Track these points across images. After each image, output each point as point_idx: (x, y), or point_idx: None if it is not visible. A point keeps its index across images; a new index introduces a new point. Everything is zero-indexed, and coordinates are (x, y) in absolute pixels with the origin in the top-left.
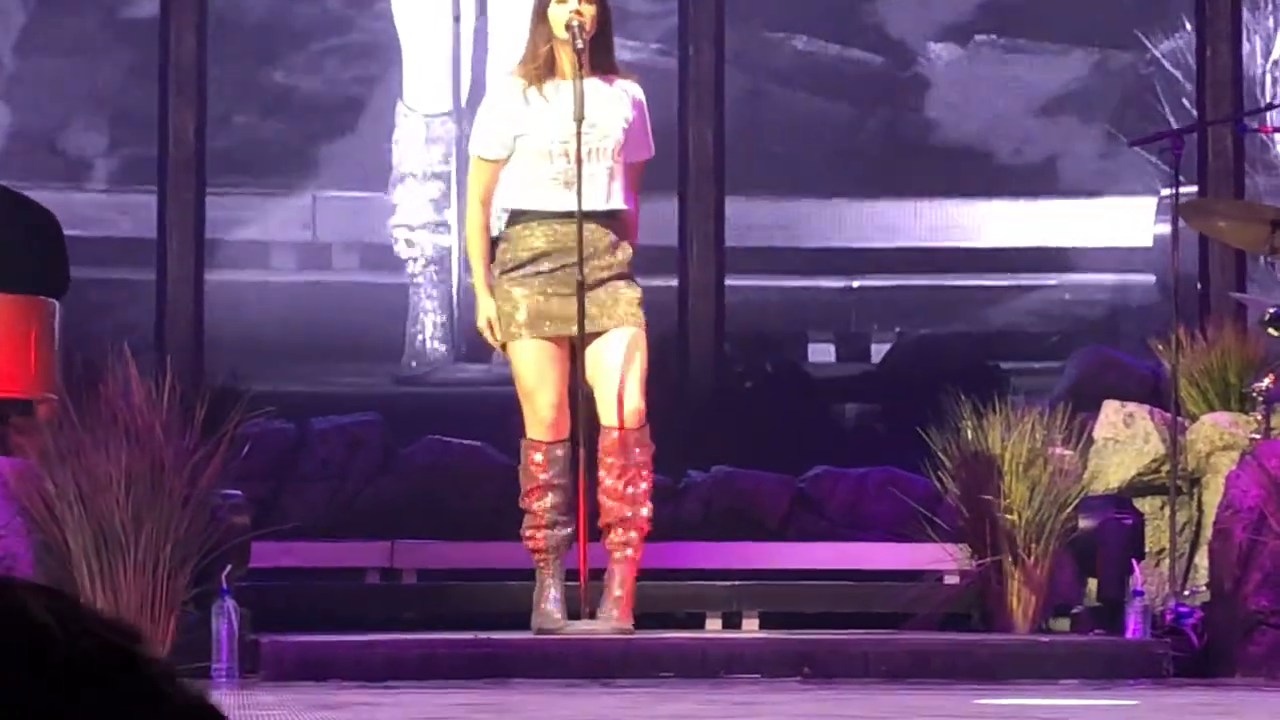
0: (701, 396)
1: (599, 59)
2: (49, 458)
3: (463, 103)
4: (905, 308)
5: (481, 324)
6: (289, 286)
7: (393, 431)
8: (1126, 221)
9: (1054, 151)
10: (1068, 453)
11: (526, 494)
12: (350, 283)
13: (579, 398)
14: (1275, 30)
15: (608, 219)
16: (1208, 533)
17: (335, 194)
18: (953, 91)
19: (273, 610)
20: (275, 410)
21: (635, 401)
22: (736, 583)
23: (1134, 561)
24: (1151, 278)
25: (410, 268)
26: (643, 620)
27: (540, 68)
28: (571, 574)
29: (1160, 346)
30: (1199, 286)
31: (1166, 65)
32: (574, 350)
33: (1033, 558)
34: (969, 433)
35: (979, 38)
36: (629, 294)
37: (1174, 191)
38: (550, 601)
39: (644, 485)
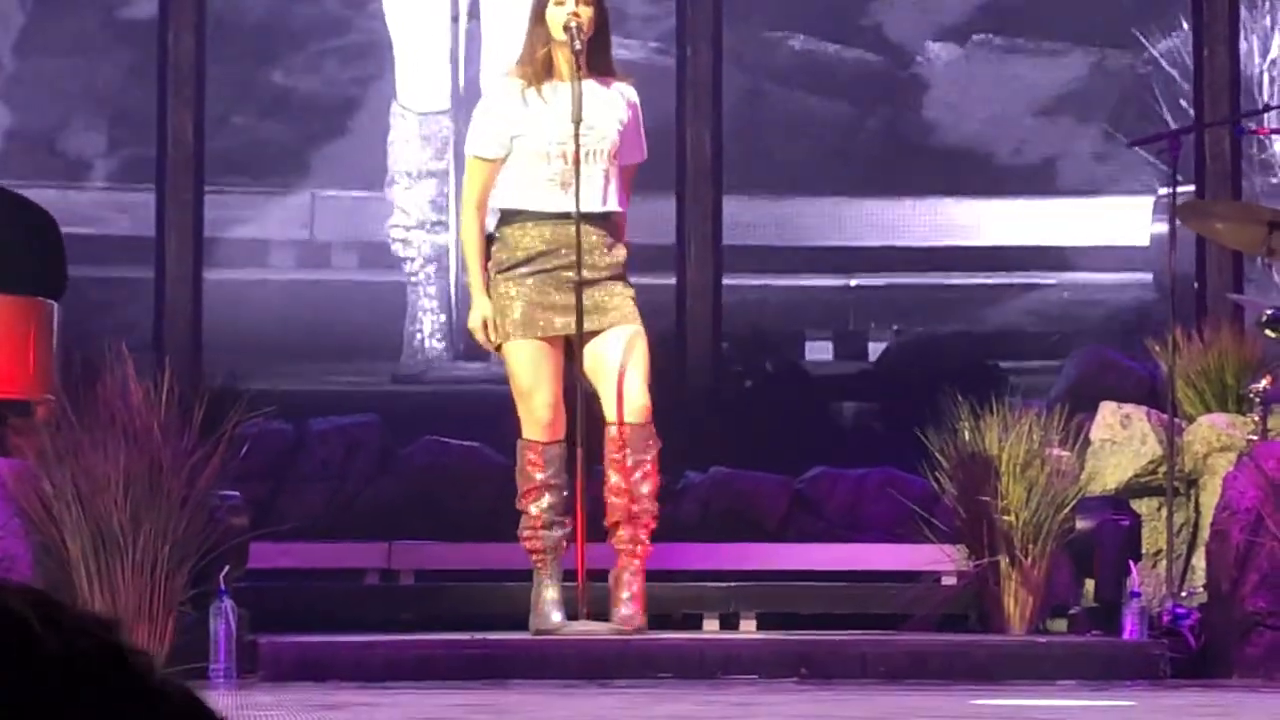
0: (699, 396)
1: (596, 61)
2: (47, 458)
3: (458, 102)
4: (903, 307)
5: (476, 323)
6: (287, 285)
7: (391, 430)
8: (1124, 221)
9: (1052, 151)
10: (1065, 454)
11: (523, 495)
12: (348, 281)
13: (578, 398)
14: (1272, 29)
15: (602, 220)
16: (1205, 534)
17: (333, 193)
18: (951, 91)
19: (271, 611)
20: (274, 410)
21: (641, 398)
22: (734, 584)
23: (1131, 563)
24: (1149, 276)
25: (408, 267)
26: None
27: (538, 69)
28: (569, 574)
29: (1157, 348)
30: (1196, 286)
31: (1164, 64)
32: (570, 350)
33: (1030, 559)
34: (966, 433)
35: (977, 37)
36: (625, 293)
37: (1171, 193)
38: (548, 602)
39: (652, 482)
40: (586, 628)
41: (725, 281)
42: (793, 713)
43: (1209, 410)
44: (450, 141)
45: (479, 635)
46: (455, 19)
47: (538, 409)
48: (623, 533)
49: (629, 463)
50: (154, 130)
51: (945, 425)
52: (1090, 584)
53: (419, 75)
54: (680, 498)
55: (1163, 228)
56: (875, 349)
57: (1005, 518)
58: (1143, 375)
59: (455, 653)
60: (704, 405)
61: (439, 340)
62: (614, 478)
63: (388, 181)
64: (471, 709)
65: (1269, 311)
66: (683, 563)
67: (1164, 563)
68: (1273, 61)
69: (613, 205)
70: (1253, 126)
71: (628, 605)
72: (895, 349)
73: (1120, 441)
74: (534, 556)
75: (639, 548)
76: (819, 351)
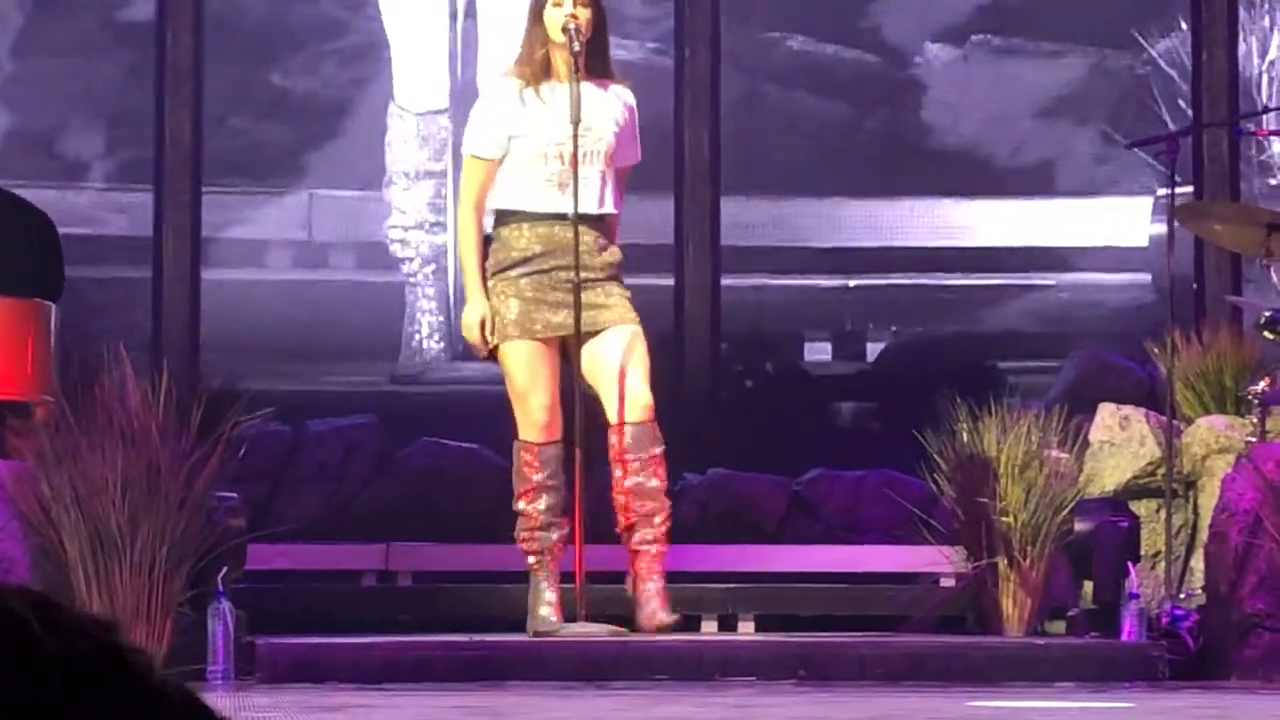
0: (698, 397)
1: (594, 62)
2: (45, 460)
3: (456, 102)
4: (901, 307)
5: (473, 321)
6: (285, 285)
7: (389, 430)
8: (1123, 221)
9: (1050, 151)
10: (1063, 455)
11: (520, 496)
12: (346, 282)
13: (577, 399)
14: (1271, 30)
15: (598, 222)
16: (1203, 536)
17: (331, 193)
18: (950, 92)
19: (269, 612)
20: (272, 412)
21: (644, 396)
22: (732, 585)
23: (1129, 564)
24: (1148, 277)
25: (406, 267)
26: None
27: (536, 70)
28: (567, 576)
29: (1156, 349)
30: (1194, 287)
31: (1162, 64)
32: (566, 351)
33: (1028, 560)
34: (965, 435)
35: (975, 38)
36: (622, 294)
37: (1170, 195)
38: (546, 604)
39: (662, 479)
40: (584, 629)
41: (723, 282)
42: (791, 714)
43: (1208, 412)
44: (448, 141)
45: (477, 637)
46: (453, 17)
47: (534, 410)
48: (639, 533)
49: (637, 462)
50: (152, 131)
51: (944, 427)
52: (1088, 586)
53: (416, 75)
54: (678, 499)
55: (1161, 228)
56: (874, 350)
57: (1004, 519)
58: (1141, 377)
59: (453, 654)
60: (702, 407)
61: (437, 341)
62: (626, 479)
63: (385, 182)
64: (469, 711)
65: (1267, 313)
66: (681, 564)
67: (1162, 564)
68: (1271, 62)
69: (609, 207)
70: (1251, 128)
71: (654, 599)
72: (893, 350)
73: (1119, 443)
74: (531, 558)
75: (657, 546)
76: (817, 352)
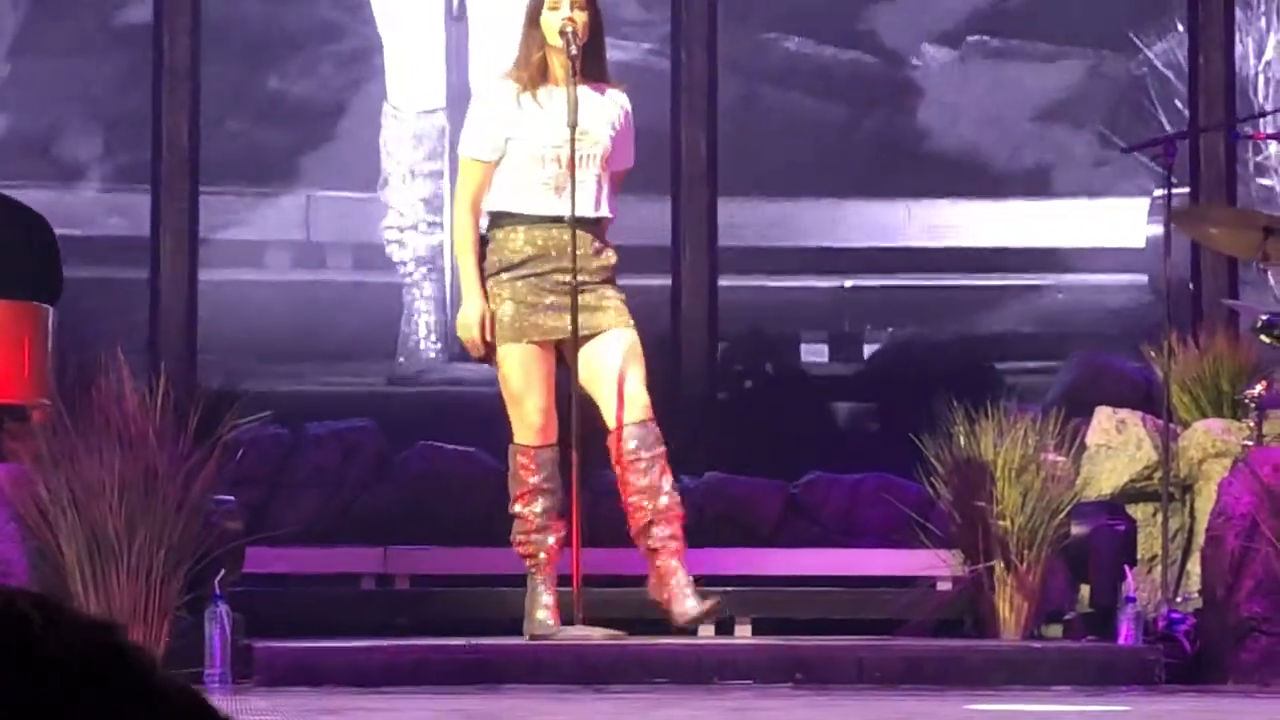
0: (694, 399)
1: (590, 66)
2: (42, 463)
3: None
4: (898, 308)
5: (472, 319)
6: (282, 286)
7: (387, 431)
8: (1119, 222)
9: (1047, 152)
10: (1060, 459)
11: (516, 499)
12: (344, 282)
13: (573, 403)
14: (1267, 31)
15: (593, 225)
16: (1200, 539)
17: (329, 194)
18: (946, 93)
19: (266, 616)
20: (270, 415)
21: (643, 396)
22: (729, 589)
23: (1126, 568)
24: (1144, 278)
25: (403, 268)
26: (635, 626)
27: (533, 73)
28: (564, 579)
29: (1152, 353)
30: (1190, 287)
31: (1159, 65)
32: (561, 355)
33: (1025, 564)
34: (961, 438)
35: (972, 39)
36: (616, 297)
37: (1167, 197)
38: (543, 607)
39: (670, 476)
40: (582, 633)
41: (720, 283)
42: (788, 718)
43: (1204, 416)
44: (445, 141)
45: (474, 640)
46: (449, 17)
47: (530, 413)
48: (656, 530)
49: (643, 462)
50: (149, 133)
51: (940, 430)
52: (1085, 589)
53: (411, 75)
54: None
55: (1158, 229)
56: (870, 351)
57: (1000, 523)
58: (1138, 380)
59: (450, 658)
60: (699, 408)
61: (435, 342)
62: (630, 479)
63: (381, 182)
64: (467, 714)
65: (1264, 317)
66: None
67: (1159, 568)
68: (1268, 63)
69: (604, 211)
70: (1249, 131)
71: (686, 589)
72: (889, 350)
73: (1115, 447)
74: (528, 561)
75: (676, 542)
76: (814, 354)
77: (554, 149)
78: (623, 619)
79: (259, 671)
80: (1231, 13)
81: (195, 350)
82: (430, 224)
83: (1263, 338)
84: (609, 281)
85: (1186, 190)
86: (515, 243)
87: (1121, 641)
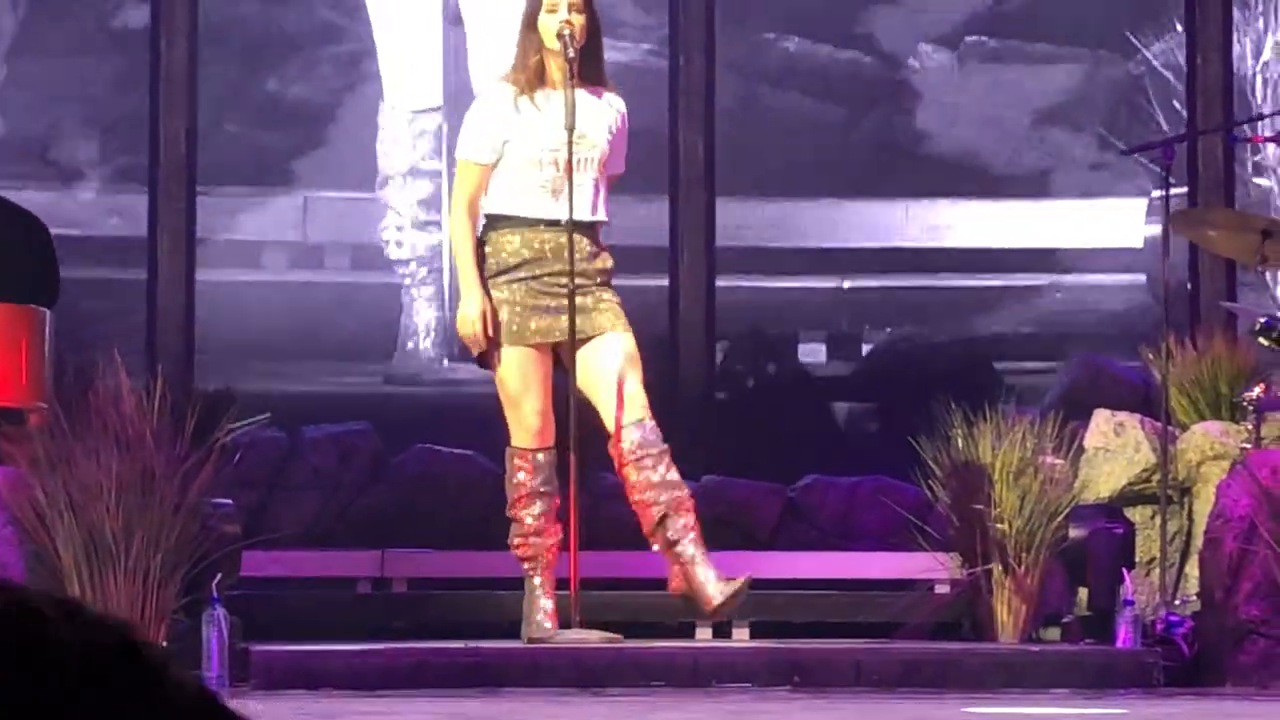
0: (692, 400)
1: (588, 69)
2: (40, 466)
3: (450, 99)
4: (897, 308)
5: (473, 315)
6: (280, 286)
7: (384, 432)
8: (1118, 223)
9: (1045, 153)
10: (1058, 462)
11: (513, 503)
12: (342, 283)
13: (570, 405)
14: (1265, 31)
15: (589, 229)
16: (1198, 542)
17: (326, 194)
18: (945, 93)
19: (263, 619)
20: (267, 418)
21: (642, 396)
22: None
23: (1124, 571)
24: (1142, 278)
25: (401, 268)
26: (633, 630)
27: (530, 76)
28: (562, 583)
29: (1151, 355)
30: (1189, 288)
31: (1157, 66)
32: (558, 358)
33: (1023, 567)
34: (959, 441)
35: (970, 39)
36: (612, 299)
37: (1165, 200)
38: (540, 611)
39: (676, 471)
40: (579, 636)
41: (718, 283)
42: None
43: (1202, 418)
44: (443, 140)
45: (472, 644)
46: (445, 16)
47: (527, 416)
48: (672, 522)
49: (649, 458)
50: (146, 136)
51: (938, 433)
52: (1083, 592)
53: (408, 74)
54: None
55: (1156, 230)
56: (868, 351)
57: (998, 526)
58: (1136, 383)
59: (448, 661)
60: (697, 410)
61: (433, 342)
62: (638, 477)
63: (380, 182)
64: (464, 717)
65: (1262, 319)
66: None
67: (1157, 571)
68: (1265, 64)
69: (601, 214)
70: (1248, 133)
71: (715, 578)
72: (887, 351)
73: (1114, 449)
74: (526, 564)
75: (694, 531)
76: (812, 354)
77: (551, 152)
78: (620, 622)
79: (256, 675)
80: (1229, 14)
81: (193, 351)
82: (428, 224)
83: (1261, 340)
84: (605, 284)
85: (1185, 190)
86: (512, 246)
87: (1120, 644)
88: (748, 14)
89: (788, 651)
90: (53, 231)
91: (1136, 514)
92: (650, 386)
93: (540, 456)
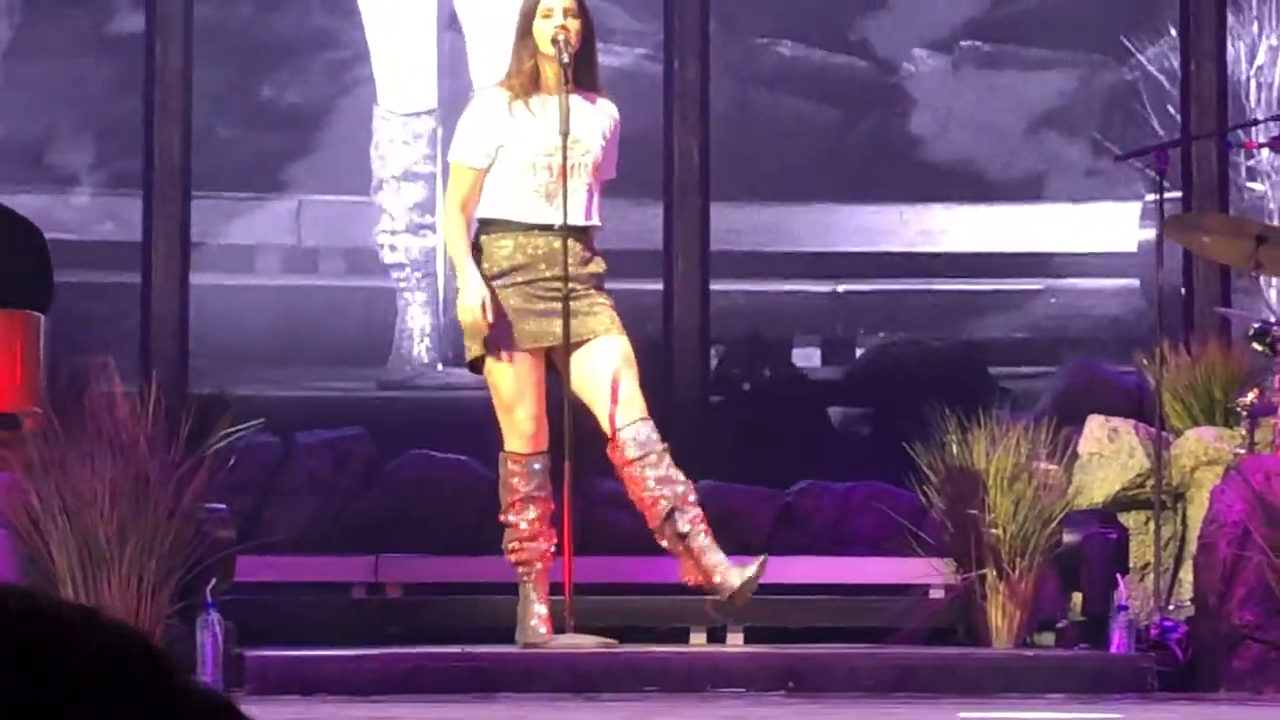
0: (686, 405)
1: (582, 75)
2: (34, 471)
3: (444, 101)
4: (891, 313)
5: (474, 303)
6: (274, 290)
7: (378, 437)
8: (1112, 227)
9: (1040, 157)
10: (1052, 467)
11: (507, 508)
12: (336, 287)
13: (565, 410)
14: (1260, 35)
15: (582, 234)
16: (1192, 547)
17: (321, 198)
18: (939, 98)
19: (258, 624)
20: (262, 423)
21: (639, 398)
22: (720, 597)
23: (1118, 576)
24: (1136, 282)
25: (396, 272)
26: (627, 635)
27: (525, 82)
28: (556, 588)
29: (1145, 361)
30: (1183, 292)
31: (1152, 70)
32: (551, 362)
33: (1017, 572)
34: (954, 446)
35: (965, 44)
36: (606, 303)
37: (1159, 206)
38: (535, 616)
39: (676, 468)
40: (574, 641)
41: (712, 287)
42: None
43: (1196, 424)
44: (437, 143)
45: (466, 648)
46: (440, 19)
47: (521, 421)
48: (680, 515)
49: (652, 456)
50: (141, 142)
51: (933, 438)
52: (1077, 597)
53: (402, 76)
54: None
55: (1151, 234)
56: (862, 356)
57: (993, 531)
58: (1130, 388)
59: (442, 666)
60: (691, 415)
61: (427, 346)
62: (641, 476)
63: (374, 186)
64: None
65: (1256, 325)
66: (670, 576)
67: (1151, 576)
68: (1260, 68)
69: (594, 219)
70: (1243, 138)
71: (729, 566)
72: (881, 355)
73: (1108, 455)
74: (520, 569)
75: (703, 523)
76: (806, 359)
77: (545, 157)
78: (615, 627)
79: (250, 680)
80: (1223, 21)
81: (187, 355)
82: (422, 228)
83: (1255, 346)
84: (598, 288)
85: (1179, 194)
86: (504, 250)
87: (1114, 650)
88: (742, 19)
89: (782, 656)
90: (47, 235)
91: (1130, 519)
92: (644, 391)
93: (534, 461)
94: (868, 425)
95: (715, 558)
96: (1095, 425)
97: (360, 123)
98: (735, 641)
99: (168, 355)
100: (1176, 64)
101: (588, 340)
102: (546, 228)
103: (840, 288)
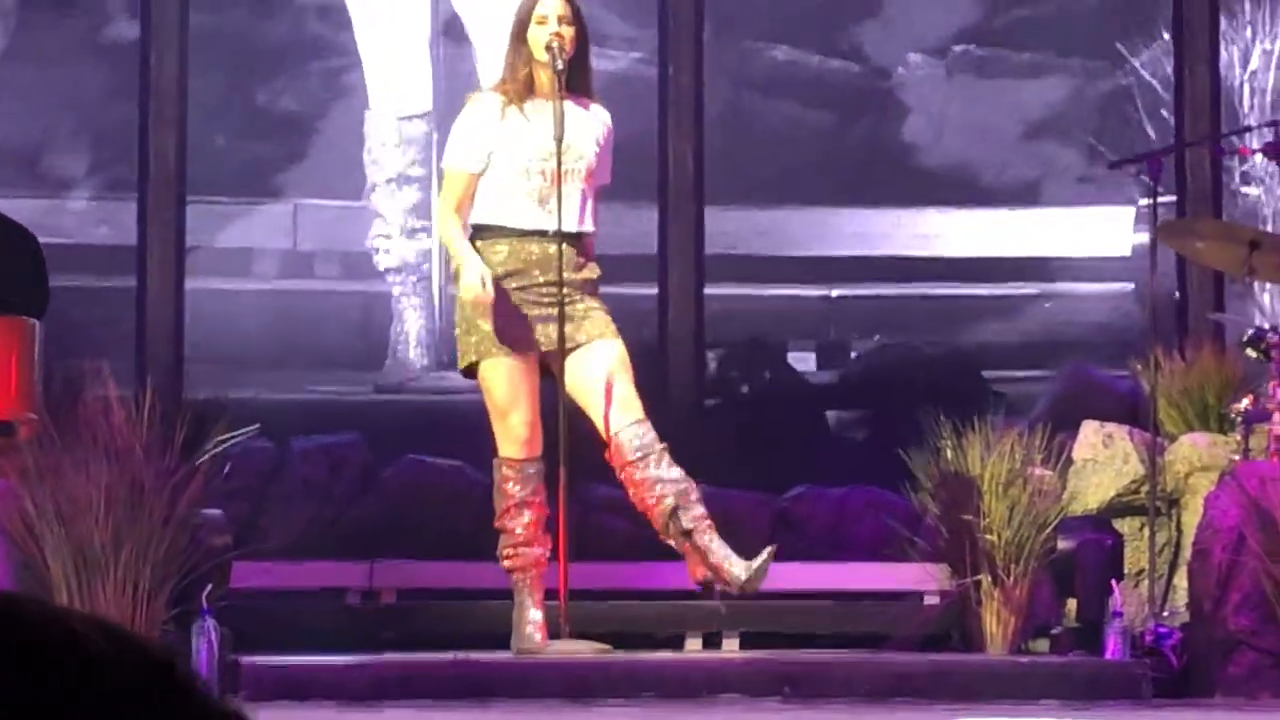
0: (681, 409)
1: (575, 81)
2: (29, 478)
3: (438, 104)
4: (886, 317)
5: (473, 281)
6: (270, 294)
7: (373, 440)
8: (1106, 232)
9: (1034, 162)
10: (1047, 473)
11: (502, 513)
12: (331, 291)
13: (560, 415)
14: (1253, 40)
15: (576, 239)
16: (1187, 553)
17: (316, 203)
18: (933, 103)
19: (253, 630)
20: (257, 429)
21: (635, 400)
22: (717, 602)
23: (1113, 582)
24: (1130, 287)
25: (391, 276)
26: (623, 641)
27: (519, 88)
28: (551, 593)
29: (1139, 367)
30: (1177, 297)
31: (1145, 76)
32: (545, 368)
33: (1012, 578)
34: (949, 453)
35: (958, 49)
36: (600, 308)
37: (1152, 211)
38: (530, 622)
39: (677, 466)
40: (569, 647)
41: (706, 292)
42: None
43: (1191, 429)
44: (431, 147)
45: (461, 655)
46: (434, 22)
47: (515, 426)
48: (684, 512)
49: (652, 455)
50: (135, 148)
51: (928, 444)
52: (1072, 604)
53: (393, 79)
54: None
55: (1144, 239)
56: (857, 360)
57: (987, 537)
58: (1125, 394)
59: (437, 672)
60: (686, 419)
61: (422, 350)
62: (642, 475)
63: (368, 190)
64: None
65: (1250, 330)
66: (665, 582)
67: (1146, 582)
68: (1253, 73)
69: (588, 225)
70: (1237, 144)
71: (735, 558)
72: (876, 360)
73: (1102, 461)
74: (515, 575)
75: (707, 519)
76: (801, 362)
77: (539, 162)
78: (610, 633)
79: (246, 686)
80: (1216, 24)
81: (182, 360)
82: (416, 231)
83: (1249, 351)
84: (592, 294)
85: (1173, 200)
86: (499, 255)
87: (1108, 656)
88: (736, 24)
89: (778, 662)
90: (43, 240)
91: (1125, 525)
92: (640, 395)
93: (528, 467)
94: (862, 430)
95: (722, 550)
96: (1090, 431)
97: (354, 128)
98: (731, 647)
99: (163, 360)
100: (1170, 69)
101: (583, 344)
102: (541, 233)
103: (835, 292)
